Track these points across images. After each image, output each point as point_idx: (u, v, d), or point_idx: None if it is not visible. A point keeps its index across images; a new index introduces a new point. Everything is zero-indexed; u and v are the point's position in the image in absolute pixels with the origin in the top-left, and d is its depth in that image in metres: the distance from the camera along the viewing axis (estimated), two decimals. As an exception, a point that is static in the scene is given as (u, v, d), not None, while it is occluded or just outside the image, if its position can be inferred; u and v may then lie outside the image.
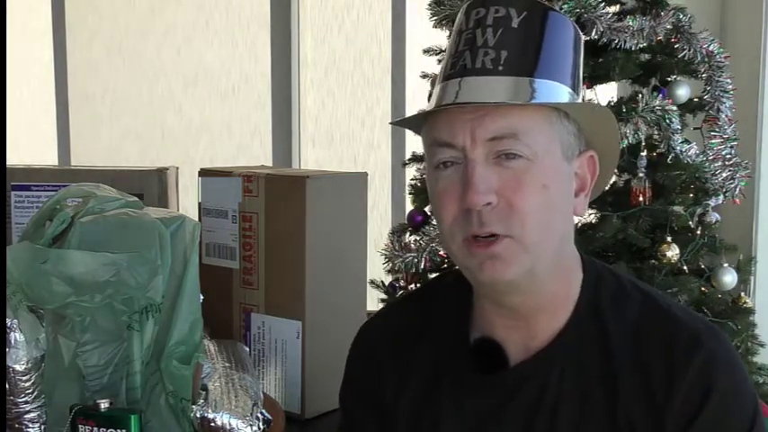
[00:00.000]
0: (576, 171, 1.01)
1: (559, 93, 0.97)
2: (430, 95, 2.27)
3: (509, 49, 0.95)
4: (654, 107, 1.93)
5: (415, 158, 2.31)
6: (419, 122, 1.04)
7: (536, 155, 0.94)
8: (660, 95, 1.97)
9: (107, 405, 1.18)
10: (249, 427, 1.27)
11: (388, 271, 2.20)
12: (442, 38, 2.24)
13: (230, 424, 1.26)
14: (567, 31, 1.00)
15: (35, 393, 1.24)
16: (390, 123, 1.12)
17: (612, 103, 2.07)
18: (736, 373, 0.98)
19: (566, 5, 1.92)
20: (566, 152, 0.98)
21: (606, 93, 2.14)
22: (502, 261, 0.95)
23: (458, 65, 0.97)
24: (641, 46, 1.97)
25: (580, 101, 1.02)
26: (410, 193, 2.32)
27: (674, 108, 1.95)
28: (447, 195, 0.96)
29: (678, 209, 2.03)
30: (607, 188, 2.14)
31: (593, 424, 0.97)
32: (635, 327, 0.99)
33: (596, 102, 2.03)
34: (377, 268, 2.15)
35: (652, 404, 0.95)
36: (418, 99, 2.57)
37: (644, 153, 1.97)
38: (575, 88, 1.00)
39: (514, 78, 0.95)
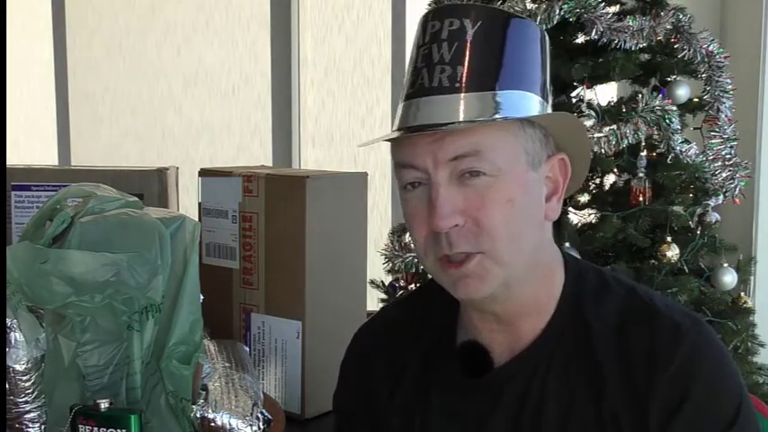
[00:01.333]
0: (547, 175, 1.00)
1: (525, 101, 0.96)
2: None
3: (466, 64, 0.94)
4: (654, 107, 1.93)
5: (415, 158, 2.30)
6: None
7: (499, 170, 0.94)
8: (660, 95, 1.97)
9: (107, 405, 1.18)
10: (249, 427, 1.27)
11: (388, 271, 2.20)
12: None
13: (230, 424, 1.26)
14: (529, 34, 0.99)
15: (35, 393, 1.24)
16: (359, 146, 1.13)
17: (612, 104, 2.07)
18: (718, 364, 0.97)
19: (566, 5, 1.92)
20: (531, 161, 0.97)
21: (606, 93, 2.14)
22: (475, 278, 0.96)
23: (416, 83, 0.96)
24: (641, 46, 1.97)
25: (549, 105, 1.01)
26: (410, 193, 2.31)
27: (674, 108, 1.96)
28: (416, 217, 0.97)
29: (678, 209, 2.03)
30: (607, 188, 2.16)
31: (578, 420, 0.98)
32: (617, 321, 0.99)
33: (596, 101, 2.04)
34: (377, 268, 2.15)
35: (635, 398, 0.95)
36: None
37: (644, 153, 1.98)
38: (543, 92, 0.99)
39: (474, 94, 0.94)
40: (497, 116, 0.94)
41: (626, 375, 0.96)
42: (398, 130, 0.97)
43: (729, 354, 1.03)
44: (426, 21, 0.98)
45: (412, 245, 1.08)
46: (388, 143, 1.01)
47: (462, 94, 0.94)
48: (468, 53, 0.95)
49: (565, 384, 0.99)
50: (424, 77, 0.95)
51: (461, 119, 0.93)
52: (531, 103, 0.97)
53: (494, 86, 0.94)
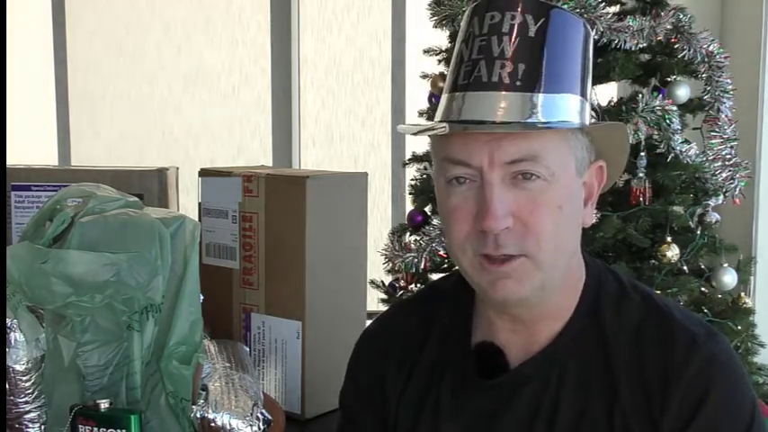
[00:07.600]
0: (584, 181, 1.00)
1: (573, 105, 0.96)
2: (430, 97, 2.28)
3: (527, 62, 0.92)
4: (654, 107, 1.93)
5: (415, 158, 2.30)
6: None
7: (553, 175, 0.93)
8: (660, 95, 1.97)
9: (107, 405, 1.18)
10: (249, 427, 1.27)
11: (388, 271, 2.20)
12: (441, 38, 2.23)
13: (230, 424, 1.26)
14: (577, 32, 0.98)
15: (35, 393, 1.24)
16: (399, 130, 1.10)
17: (612, 104, 2.07)
18: (733, 377, 0.97)
19: (566, 6, 1.92)
20: (579, 167, 0.98)
21: (606, 93, 2.14)
22: (515, 280, 0.95)
23: (472, 75, 0.93)
24: (641, 46, 1.97)
25: (588, 103, 1.01)
26: (410, 193, 2.31)
27: (674, 108, 1.95)
28: (460, 212, 0.95)
29: (678, 209, 2.03)
30: (607, 188, 2.16)
31: (591, 425, 0.97)
32: (634, 329, 0.99)
33: (596, 101, 2.03)
34: (377, 268, 2.15)
35: (648, 406, 0.95)
36: (418, 100, 2.57)
37: (644, 153, 1.97)
38: (583, 93, 0.99)
39: (538, 95, 0.92)
40: (557, 121, 0.93)
41: (640, 384, 0.96)
42: (449, 122, 0.94)
43: (743, 366, 1.02)
44: (484, 11, 0.95)
45: (444, 238, 1.04)
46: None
47: (521, 93, 0.92)
48: (530, 50, 0.93)
49: (579, 389, 0.99)
50: (481, 70, 0.93)
51: (521, 119, 0.91)
52: (577, 105, 0.96)
53: (547, 88, 0.93)
